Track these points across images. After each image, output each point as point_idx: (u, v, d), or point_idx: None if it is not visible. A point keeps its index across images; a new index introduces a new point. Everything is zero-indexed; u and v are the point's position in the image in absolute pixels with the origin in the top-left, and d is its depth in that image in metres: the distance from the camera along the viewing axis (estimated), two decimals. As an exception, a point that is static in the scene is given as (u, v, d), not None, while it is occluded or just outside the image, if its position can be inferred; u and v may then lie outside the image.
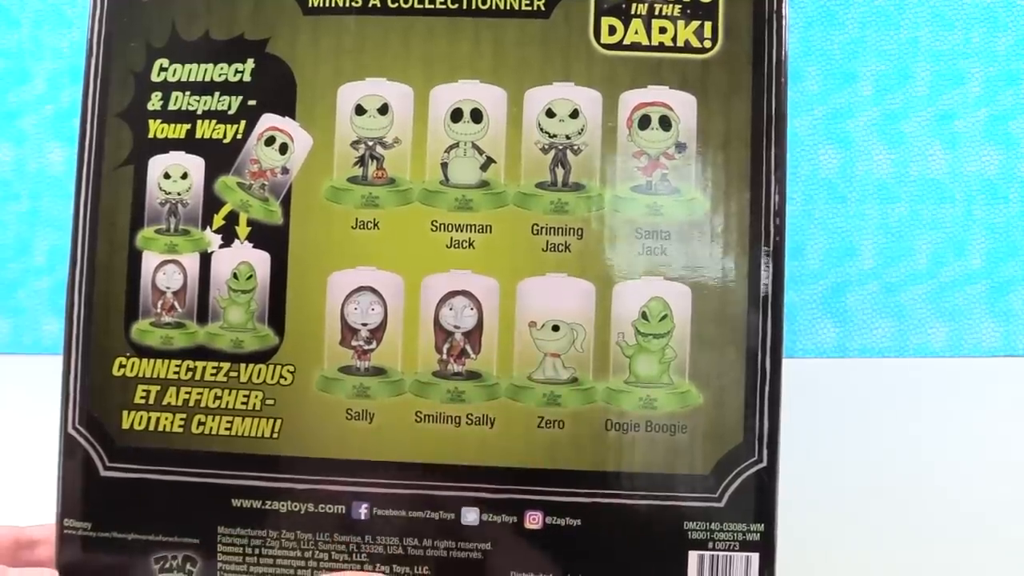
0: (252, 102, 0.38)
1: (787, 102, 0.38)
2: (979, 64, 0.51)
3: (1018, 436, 0.50)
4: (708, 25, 0.37)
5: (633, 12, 0.38)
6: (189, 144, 0.39)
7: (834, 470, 0.50)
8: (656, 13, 0.38)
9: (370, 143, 0.38)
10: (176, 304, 0.38)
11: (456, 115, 0.38)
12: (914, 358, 0.51)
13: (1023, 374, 0.50)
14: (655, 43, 0.38)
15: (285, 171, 0.38)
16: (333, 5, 0.38)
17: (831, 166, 0.51)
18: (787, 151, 0.37)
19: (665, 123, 0.37)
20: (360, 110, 0.38)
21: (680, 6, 0.38)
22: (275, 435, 0.38)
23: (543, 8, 0.38)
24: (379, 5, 0.38)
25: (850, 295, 0.51)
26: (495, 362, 0.37)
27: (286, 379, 0.38)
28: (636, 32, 0.38)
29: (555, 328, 0.37)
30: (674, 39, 0.38)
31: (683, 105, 0.37)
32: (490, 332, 0.37)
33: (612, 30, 0.38)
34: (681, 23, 0.38)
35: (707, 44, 0.37)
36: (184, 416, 0.38)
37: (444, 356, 0.37)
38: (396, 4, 0.38)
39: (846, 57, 0.51)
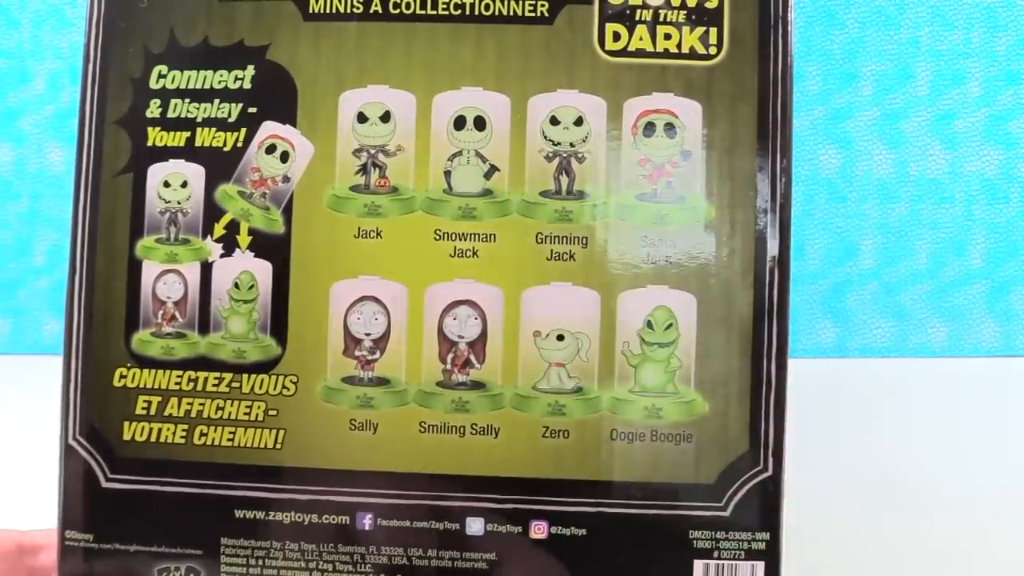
0: (252, 109, 0.38)
1: (792, 108, 0.37)
2: (979, 64, 0.51)
3: (1018, 436, 0.50)
4: (713, 31, 0.37)
5: (638, 18, 0.37)
6: (189, 152, 0.38)
7: (834, 469, 0.50)
8: (661, 19, 0.37)
9: (372, 151, 0.38)
10: (177, 314, 0.38)
11: (459, 123, 0.37)
12: (914, 358, 0.51)
13: (1023, 374, 0.51)
14: (660, 49, 0.37)
15: (286, 179, 0.38)
16: (334, 11, 0.38)
17: (831, 166, 0.51)
18: (792, 158, 0.37)
19: (670, 130, 0.37)
20: (362, 118, 0.38)
21: (685, 12, 0.37)
22: (278, 446, 0.37)
23: (546, 14, 0.37)
24: (381, 11, 0.38)
25: (850, 295, 0.51)
26: (499, 372, 0.37)
27: (289, 390, 0.37)
28: (641, 38, 0.37)
29: (560, 337, 0.37)
30: (679, 45, 0.37)
31: (688, 112, 0.37)
32: (494, 342, 0.37)
33: (616, 36, 0.37)
34: (686, 29, 0.37)
35: (712, 50, 0.37)
36: (186, 427, 0.38)
37: (448, 366, 0.37)
38: (398, 10, 0.38)
39: (846, 57, 0.51)
